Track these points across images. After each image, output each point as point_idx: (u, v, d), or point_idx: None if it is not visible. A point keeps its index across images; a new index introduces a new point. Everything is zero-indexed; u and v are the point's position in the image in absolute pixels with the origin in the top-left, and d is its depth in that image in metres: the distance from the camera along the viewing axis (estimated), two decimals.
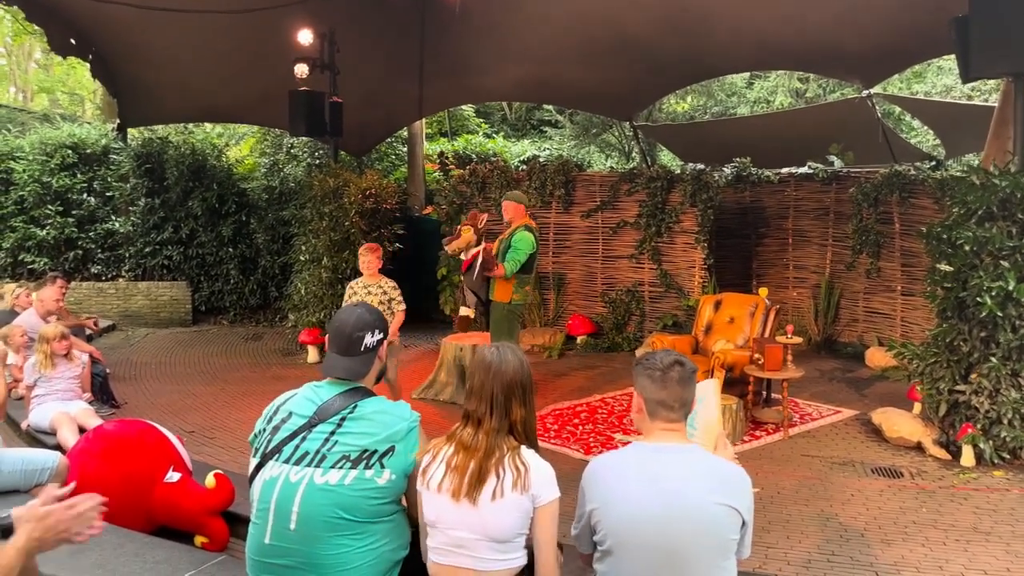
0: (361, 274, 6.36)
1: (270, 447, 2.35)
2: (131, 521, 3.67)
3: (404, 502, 2.41)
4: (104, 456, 4.01)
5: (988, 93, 13.77)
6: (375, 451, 2.28)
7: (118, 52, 8.86)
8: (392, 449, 2.30)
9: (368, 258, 6.28)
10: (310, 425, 2.33)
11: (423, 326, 10.47)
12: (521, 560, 2.25)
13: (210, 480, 3.99)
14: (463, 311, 6.85)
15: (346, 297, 6.33)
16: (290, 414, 2.39)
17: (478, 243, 6.51)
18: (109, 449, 4.04)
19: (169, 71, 9.39)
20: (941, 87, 15.55)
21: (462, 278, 6.71)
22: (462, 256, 6.60)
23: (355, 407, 2.36)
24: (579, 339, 9.38)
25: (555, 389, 7.55)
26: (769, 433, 6.14)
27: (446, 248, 6.70)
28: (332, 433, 2.31)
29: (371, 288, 6.23)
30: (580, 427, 6.37)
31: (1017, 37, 5.18)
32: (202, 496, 3.96)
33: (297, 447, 2.31)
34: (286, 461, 2.30)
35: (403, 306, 6.24)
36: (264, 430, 2.41)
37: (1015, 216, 5.14)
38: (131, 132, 11.85)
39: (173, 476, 4.05)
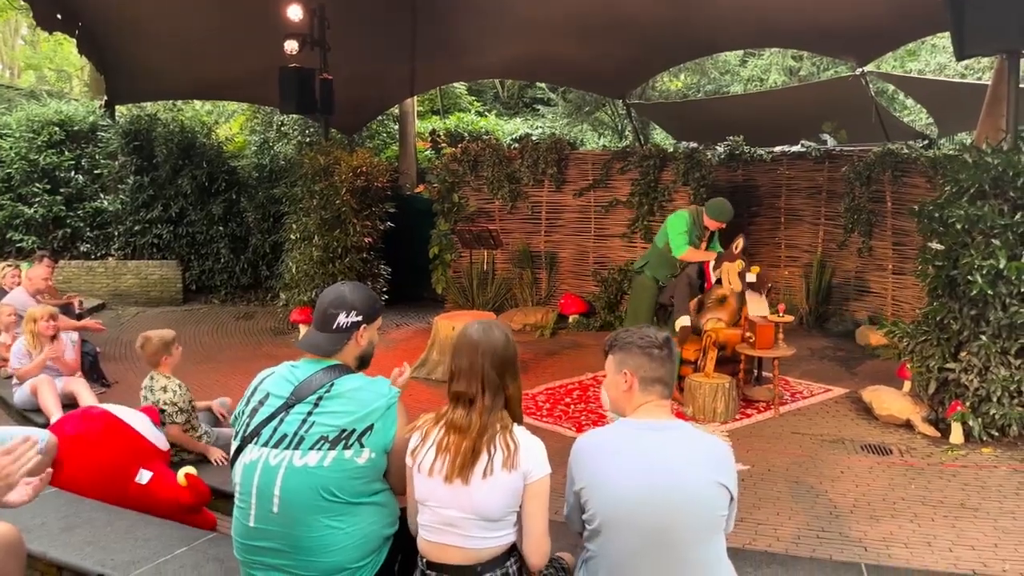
0: None
1: (249, 430, 2.32)
2: None
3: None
4: (68, 464, 3.79)
5: (982, 71, 13.74)
6: (353, 430, 2.25)
7: (105, 28, 8.72)
8: (371, 427, 2.27)
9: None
10: (287, 406, 2.30)
11: (415, 305, 10.45)
12: (510, 537, 2.25)
13: (181, 479, 3.87)
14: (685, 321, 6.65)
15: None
16: (267, 395, 2.35)
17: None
18: (73, 455, 3.84)
19: (157, 47, 9.26)
20: (935, 65, 15.52)
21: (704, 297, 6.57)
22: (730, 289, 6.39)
23: (332, 385, 2.32)
24: (571, 318, 9.38)
25: (547, 368, 7.56)
26: (760, 411, 6.17)
27: (733, 287, 6.37)
28: (309, 414, 2.28)
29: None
30: (572, 405, 6.38)
31: (1011, 15, 5.15)
32: (176, 494, 3.83)
33: (275, 429, 2.28)
34: (265, 444, 2.27)
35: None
36: (243, 412, 2.38)
37: (1007, 194, 5.14)
38: (119, 109, 11.71)
39: (144, 476, 3.89)
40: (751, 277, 6.40)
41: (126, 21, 8.53)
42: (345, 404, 2.30)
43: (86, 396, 5.61)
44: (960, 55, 5.81)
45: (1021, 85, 5.58)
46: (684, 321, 6.55)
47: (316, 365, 2.40)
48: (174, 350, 4.88)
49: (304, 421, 2.27)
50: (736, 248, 6.51)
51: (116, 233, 11.51)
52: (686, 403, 6.04)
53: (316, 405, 2.29)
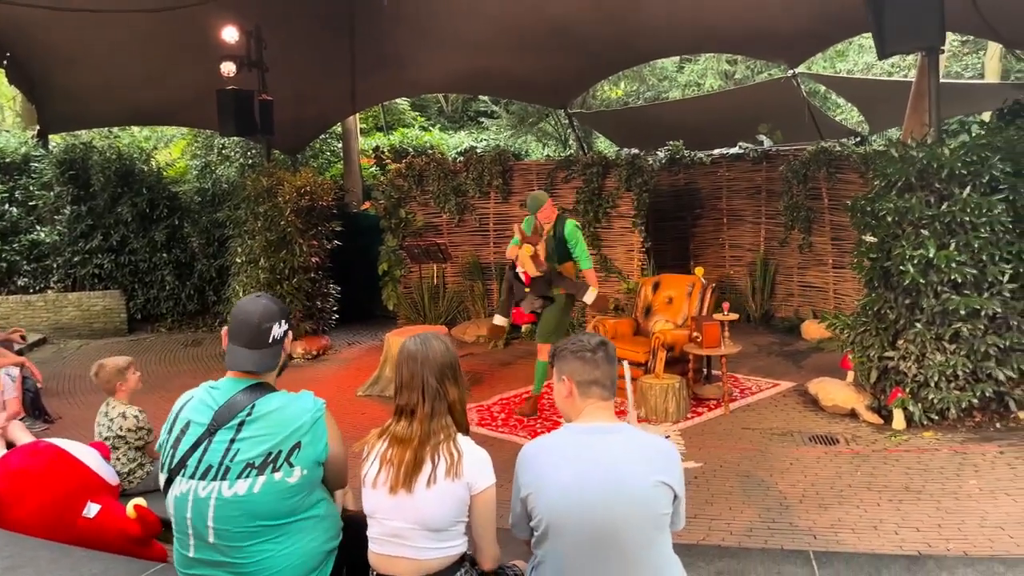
0: None
1: (174, 461, 2.26)
2: None
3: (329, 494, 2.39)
4: (13, 501, 3.64)
5: (907, 69, 14.24)
6: (280, 451, 2.21)
7: (35, 56, 8.52)
8: (298, 445, 2.23)
9: None
10: (209, 432, 2.24)
11: (366, 322, 10.39)
12: (460, 547, 2.26)
13: (130, 511, 3.74)
14: (499, 320, 6.71)
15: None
16: (188, 423, 2.28)
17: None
18: (18, 491, 3.68)
19: (91, 74, 9.07)
20: (863, 64, 16.05)
21: (527, 290, 6.40)
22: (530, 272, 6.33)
23: (253, 407, 2.26)
24: (524, 327, 9.38)
25: (501, 378, 7.59)
26: (711, 409, 6.28)
27: (538, 271, 6.36)
28: (232, 441, 2.22)
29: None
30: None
31: (926, 14, 5.37)
32: (124, 527, 3.71)
33: (200, 459, 2.22)
34: (192, 476, 2.22)
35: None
36: (166, 441, 2.31)
37: (932, 186, 5.34)
38: (53, 139, 11.43)
39: (91, 509, 3.74)
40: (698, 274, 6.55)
41: (56, 48, 8.35)
42: (268, 427, 2.24)
43: (25, 440, 5.44)
44: (882, 54, 6.03)
45: (942, 80, 5.81)
46: (498, 320, 6.64)
47: (237, 384, 2.33)
48: (130, 376, 4.81)
49: (228, 450, 2.21)
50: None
51: (55, 265, 11.21)
52: (638, 404, 6.11)
53: (238, 431, 2.23)
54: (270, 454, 2.21)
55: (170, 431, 2.32)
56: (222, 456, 2.21)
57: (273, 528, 2.21)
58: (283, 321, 2.41)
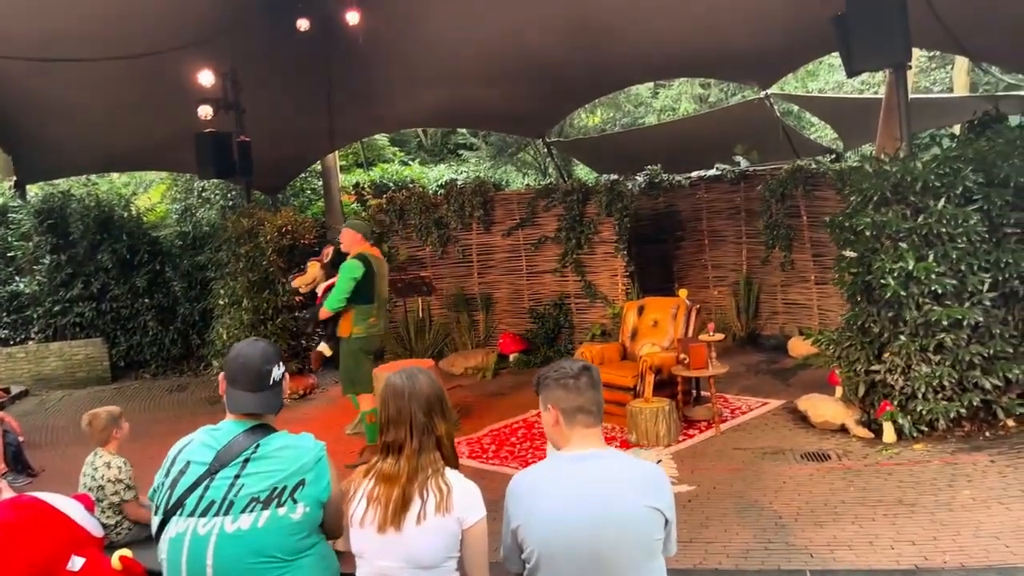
0: None
1: (171, 502, 2.22)
2: None
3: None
4: None
5: (877, 86, 14.47)
6: (285, 487, 2.20)
7: (8, 106, 8.51)
8: (303, 482, 2.23)
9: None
10: (211, 472, 2.22)
11: None
12: None
13: (116, 563, 3.69)
14: (321, 347, 6.79)
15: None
16: (188, 464, 2.27)
17: (328, 277, 6.48)
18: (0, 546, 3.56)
19: (67, 122, 9.06)
20: (834, 83, 16.32)
21: (306, 314, 6.63)
22: (315, 291, 6.57)
23: (257, 446, 2.27)
24: (511, 357, 9.40)
25: (491, 409, 7.54)
26: (702, 430, 6.26)
27: (293, 284, 6.67)
28: (237, 477, 2.21)
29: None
30: (518, 445, 6.36)
31: (891, 31, 5.47)
32: None
33: (201, 497, 2.20)
34: (191, 514, 2.19)
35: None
36: (162, 484, 2.28)
37: (907, 199, 5.41)
38: (30, 188, 11.38)
39: (76, 563, 3.64)
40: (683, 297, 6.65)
41: (31, 97, 8.34)
42: (274, 463, 2.24)
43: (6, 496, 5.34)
44: (850, 72, 6.14)
45: (911, 96, 5.91)
46: (322, 348, 6.60)
47: (239, 427, 2.34)
48: (122, 424, 4.77)
49: (232, 485, 2.20)
50: (325, 256, 6.79)
51: (35, 315, 11.08)
52: (629, 430, 6.09)
53: (243, 467, 2.23)
54: (275, 489, 2.20)
55: (167, 474, 2.29)
56: (226, 491, 2.19)
57: (275, 565, 2.16)
58: (281, 363, 2.45)
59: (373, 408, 5.79)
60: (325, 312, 6.05)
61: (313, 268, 6.58)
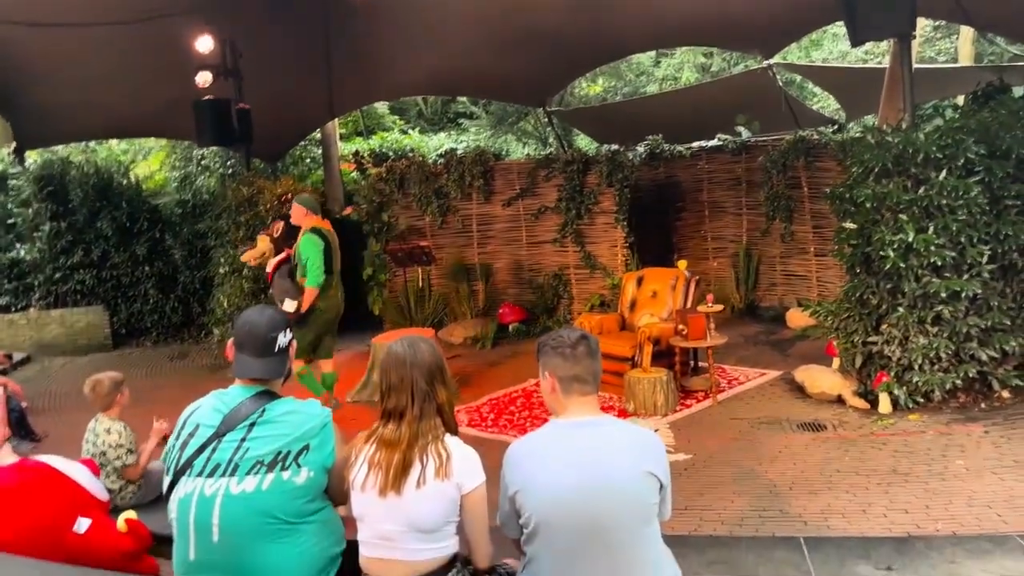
0: None
1: (180, 463, 2.30)
2: None
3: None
4: (1, 520, 3.57)
5: (881, 56, 14.34)
6: (289, 452, 2.26)
7: (7, 72, 8.45)
8: (307, 447, 2.28)
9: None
10: (218, 435, 2.29)
11: (352, 328, 10.32)
12: (451, 548, 2.27)
13: (121, 525, 3.74)
14: (287, 306, 6.77)
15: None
16: (197, 426, 2.34)
17: (278, 251, 6.48)
18: (5, 511, 3.61)
19: (65, 89, 8.99)
20: (837, 53, 16.16)
21: (271, 291, 6.61)
22: (265, 267, 6.56)
23: (263, 411, 2.33)
24: (511, 327, 9.43)
25: (490, 379, 7.59)
26: (699, 400, 6.31)
27: (243, 258, 6.66)
28: (243, 440, 2.27)
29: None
30: (516, 413, 6.42)
31: (897, 0, 5.42)
32: (116, 542, 3.69)
33: (208, 459, 2.27)
34: (199, 475, 2.26)
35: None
36: (174, 446, 2.36)
37: (909, 171, 5.40)
38: (29, 155, 11.34)
39: (82, 524, 3.71)
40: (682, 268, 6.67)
41: (30, 64, 8.27)
42: (279, 428, 2.30)
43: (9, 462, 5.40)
44: (855, 41, 6.09)
45: (915, 66, 5.86)
46: (287, 306, 6.42)
47: (246, 392, 2.40)
48: (124, 390, 4.83)
49: (238, 448, 2.26)
50: (275, 230, 6.69)
51: (36, 283, 11.11)
52: (626, 400, 6.14)
53: (249, 431, 2.29)
54: (280, 453, 2.26)
55: (178, 436, 2.37)
56: (231, 454, 2.26)
57: (280, 529, 2.22)
58: (288, 330, 2.52)
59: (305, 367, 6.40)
60: (311, 291, 6.10)
61: (263, 242, 6.55)
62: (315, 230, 6.21)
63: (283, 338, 2.47)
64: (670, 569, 2.23)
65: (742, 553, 3.45)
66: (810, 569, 3.29)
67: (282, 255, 6.42)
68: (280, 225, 6.64)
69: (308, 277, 6.10)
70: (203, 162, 12.26)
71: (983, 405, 5.42)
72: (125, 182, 11.41)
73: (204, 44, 7.99)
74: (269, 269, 6.49)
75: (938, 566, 3.26)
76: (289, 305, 6.12)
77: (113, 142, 13.87)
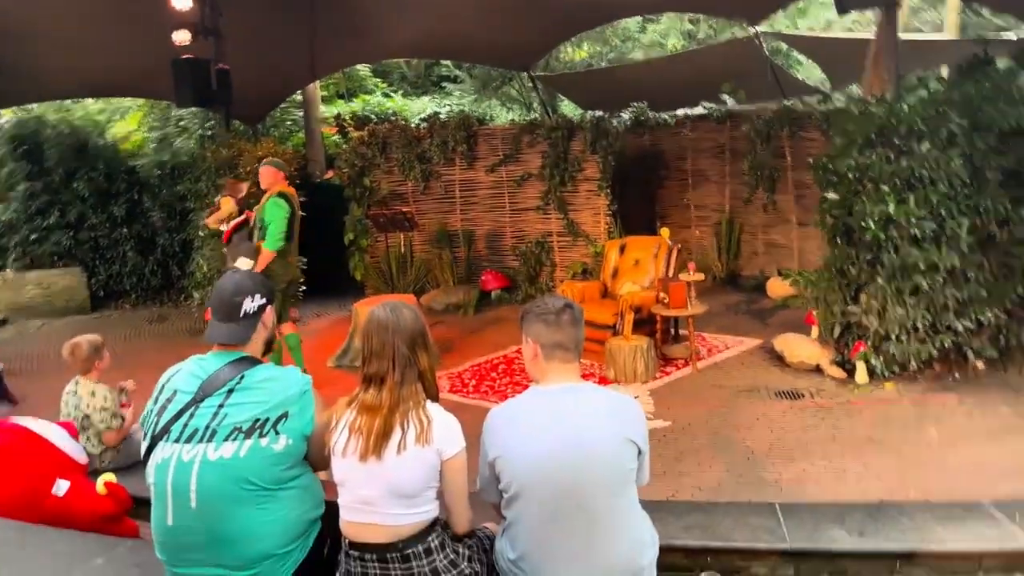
0: None
1: (158, 428, 2.29)
2: None
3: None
4: None
5: (867, 25, 14.29)
6: (267, 419, 2.25)
7: None
8: (286, 414, 2.27)
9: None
10: (196, 401, 2.28)
11: (334, 293, 10.30)
12: (432, 512, 2.28)
13: (100, 487, 3.75)
14: (240, 262, 6.69)
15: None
16: (175, 392, 2.33)
17: (240, 213, 6.41)
18: None
19: (40, 45, 8.78)
20: (824, 22, 16.08)
21: (224, 250, 6.51)
22: (222, 228, 6.46)
23: (242, 377, 2.32)
24: (493, 294, 9.43)
25: (472, 345, 7.60)
26: (679, 368, 6.36)
27: (206, 222, 6.55)
28: (220, 406, 2.26)
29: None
30: (498, 380, 6.45)
31: None
32: (95, 504, 3.71)
33: (185, 425, 2.26)
34: (176, 440, 2.25)
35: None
36: (151, 411, 2.35)
37: (892, 142, 5.40)
38: (4, 113, 11.12)
39: (61, 487, 3.72)
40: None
41: (2, 22, 8.06)
42: (257, 395, 2.29)
43: None
44: (841, 9, 6.06)
45: (901, 36, 5.84)
46: (240, 263, 6.25)
47: (224, 358, 2.38)
48: (104, 353, 4.78)
49: (216, 414, 2.25)
50: (239, 191, 6.63)
51: (11, 244, 10.93)
52: (607, 367, 6.17)
53: (227, 397, 2.28)
54: (257, 420, 2.24)
55: (156, 401, 2.36)
56: (209, 420, 2.25)
57: (258, 493, 2.22)
58: (258, 295, 2.46)
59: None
60: (268, 254, 5.93)
61: (227, 204, 6.42)
62: (282, 195, 6.05)
63: (250, 303, 2.43)
64: (648, 533, 2.26)
65: (719, 518, 3.50)
66: (785, 534, 3.34)
67: (240, 218, 6.32)
68: (244, 186, 6.54)
69: (267, 240, 5.94)
70: (181, 123, 12.04)
71: (957, 375, 5.50)
72: (102, 142, 11.22)
73: (181, 2, 7.80)
74: (226, 229, 6.36)
75: (909, 532, 3.32)
76: (244, 264, 5.99)
77: (89, 101, 13.59)
